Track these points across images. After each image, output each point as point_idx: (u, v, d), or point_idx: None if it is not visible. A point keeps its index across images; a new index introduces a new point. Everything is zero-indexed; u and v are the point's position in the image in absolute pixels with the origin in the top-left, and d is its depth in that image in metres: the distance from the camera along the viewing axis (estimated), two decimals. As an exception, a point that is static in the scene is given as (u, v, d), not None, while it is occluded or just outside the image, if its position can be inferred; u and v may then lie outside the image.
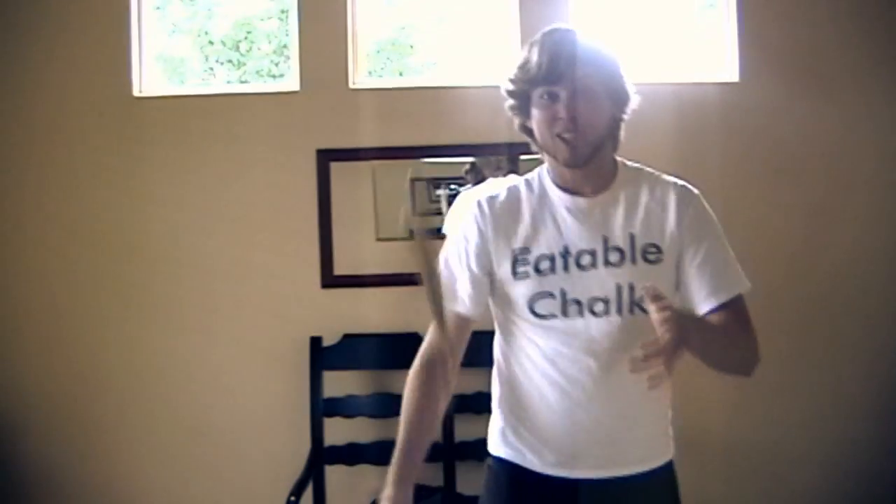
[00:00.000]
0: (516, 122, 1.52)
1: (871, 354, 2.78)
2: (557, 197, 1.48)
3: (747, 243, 2.76)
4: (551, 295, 1.43)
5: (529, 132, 1.50)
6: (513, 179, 1.60)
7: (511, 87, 1.46)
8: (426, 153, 2.79)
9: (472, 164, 2.75)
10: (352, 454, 2.68)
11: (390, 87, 2.94)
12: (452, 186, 2.77)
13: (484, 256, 1.49)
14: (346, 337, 2.70)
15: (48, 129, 2.77)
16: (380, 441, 2.70)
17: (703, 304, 1.45)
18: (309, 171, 2.76)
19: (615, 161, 1.53)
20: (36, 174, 2.78)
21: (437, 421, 1.52)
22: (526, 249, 1.45)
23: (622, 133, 1.53)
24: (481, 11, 3.01)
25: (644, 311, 1.33)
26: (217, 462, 2.76)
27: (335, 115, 2.77)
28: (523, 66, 1.43)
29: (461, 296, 1.49)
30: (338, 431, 2.68)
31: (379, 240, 2.77)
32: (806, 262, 2.78)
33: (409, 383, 1.50)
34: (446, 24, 3.09)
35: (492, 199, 1.52)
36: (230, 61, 3.13)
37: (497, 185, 1.58)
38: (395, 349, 2.71)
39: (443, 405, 1.50)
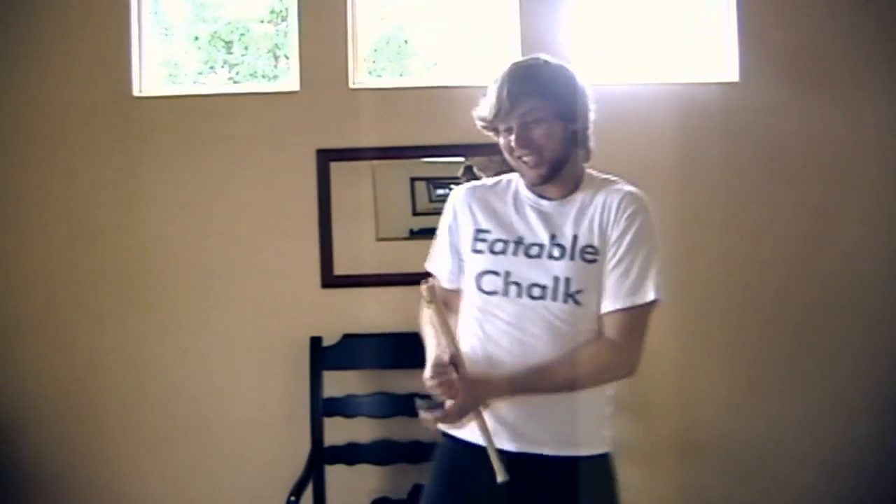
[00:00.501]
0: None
1: (872, 355, 2.78)
2: (526, 196, 1.71)
3: (747, 243, 2.78)
4: (496, 273, 1.64)
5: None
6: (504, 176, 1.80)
7: (481, 124, 1.71)
8: (426, 153, 2.79)
9: (468, 166, 2.74)
10: (352, 454, 2.68)
11: (390, 87, 2.94)
12: (451, 187, 2.77)
13: (455, 236, 1.74)
14: (346, 337, 2.70)
15: (48, 129, 2.77)
16: (380, 441, 2.70)
17: (604, 307, 1.62)
18: (309, 171, 2.76)
19: (584, 171, 1.72)
20: (36, 174, 2.78)
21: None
22: (487, 231, 1.68)
23: (592, 143, 1.73)
24: (481, 11, 3.01)
25: (577, 302, 1.59)
26: (217, 462, 2.76)
27: (335, 115, 2.77)
28: (484, 107, 1.68)
29: (443, 271, 1.76)
30: (338, 431, 2.68)
31: (379, 240, 2.77)
32: (806, 263, 2.78)
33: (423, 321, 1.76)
34: (446, 24, 3.09)
35: (472, 188, 1.78)
36: (225, 62, 3.13)
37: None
38: (396, 349, 2.71)
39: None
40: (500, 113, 1.63)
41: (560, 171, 1.65)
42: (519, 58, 1.72)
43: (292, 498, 2.37)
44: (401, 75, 3.13)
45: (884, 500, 2.77)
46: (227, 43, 3.11)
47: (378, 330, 2.67)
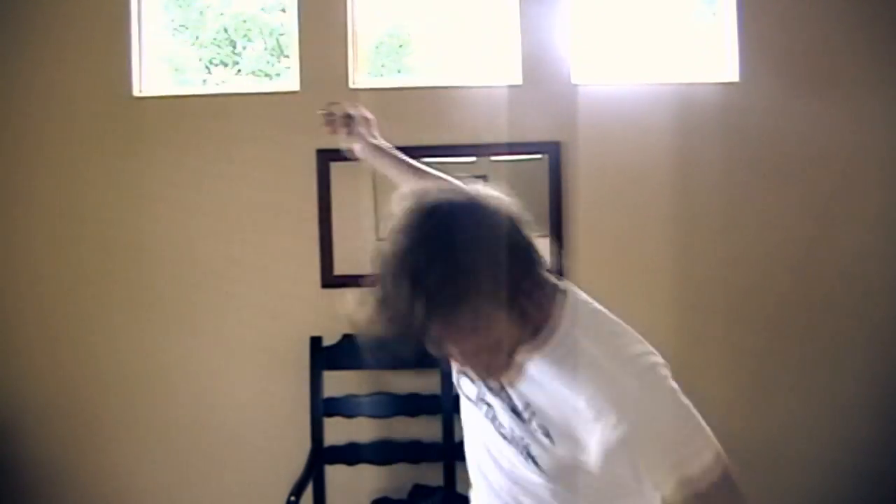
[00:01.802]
0: None
1: (873, 356, 2.78)
2: None
3: (747, 244, 2.78)
4: (473, 381, 1.32)
5: None
6: None
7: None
8: (426, 153, 2.77)
9: None
10: (352, 454, 2.68)
11: (390, 87, 2.94)
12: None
13: None
14: (346, 337, 2.70)
15: (49, 129, 2.77)
16: (380, 441, 2.70)
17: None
18: (309, 171, 2.76)
19: (554, 328, 1.23)
20: (36, 174, 2.78)
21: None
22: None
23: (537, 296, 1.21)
24: (481, 11, 3.01)
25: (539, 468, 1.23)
26: (217, 462, 2.76)
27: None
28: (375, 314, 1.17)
29: None
30: (338, 431, 2.68)
31: (379, 240, 2.76)
32: (806, 263, 2.78)
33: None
34: (446, 23, 3.09)
35: None
36: (223, 63, 3.13)
37: None
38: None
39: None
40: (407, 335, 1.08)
41: (509, 368, 1.19)
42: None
43: (292, 498, 2.37)
44: (399, 72, 3.13)
45: (883, 500, 2.77)
46: (230, 41, 3.11)
47: (378, 330, 2.67)
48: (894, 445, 2.78)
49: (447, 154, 2.77)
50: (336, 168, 2.75)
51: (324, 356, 2.69)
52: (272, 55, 3.12)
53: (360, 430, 2.69)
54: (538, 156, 2.75)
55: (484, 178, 2.78)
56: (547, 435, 1.18)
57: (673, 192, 2.75)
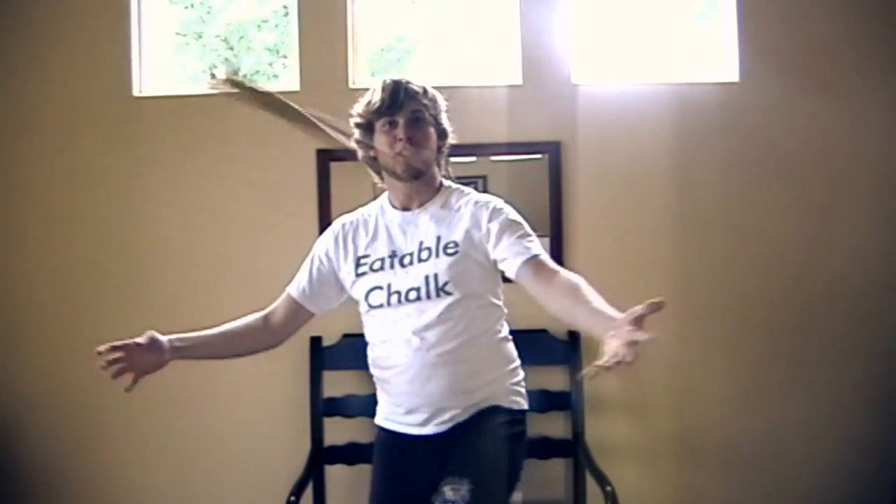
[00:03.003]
0: (361, 154, 1.89)
1: (871, 355, 2.78)
2: (392, 214, 1.88)
3: (747, 243, 2.78)
4: (380, 288, 1.81)
5: (373, 160, 1.87)
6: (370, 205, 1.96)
7: (359, 120, 1.86)
8: (426, 153, 2.78)
9: None
10: (352, 454, 2.67)
11: (390, 87, 2.93)
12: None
13: (328, 264, 1.91)
14: (346, 337, 2.70)
15: (49, 129, 2.77)
16: (380, 441, 2.70)
17: (513, 264, 1.73)
18: (309, 171, 2.76)
19: (442, 183, 1.89)
20: (36, 174, 2.78)
21: (230, 349, 2.03)
22: (367, 255, 1.85)
23: (446, 160, 1.91)
24: (481, 12, 3.01)
25: (448, 293, 1.74)
26: (217, 462, 2.77)
27: (335, 115, 2.75)
28: (368, 104, 1.83)
29: (301, 285, 1.96)
30: (338, 431, 2.68)
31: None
32: (806, 263, 2.78)
33: (248, 317, 2.01)
34: (446, 23, 3.09)
35: (346, 223, 1.94)
36: (227, 60, 3.12)
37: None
38: (395, 349, 2.72)
39: (243, 347, 2.03)
40: (393, 106, 1.78)
41: (426, 174, 1.83)
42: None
43: (292, 498, 2.37)
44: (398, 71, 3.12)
45: (882, 500, 2.77)
46: (229, 45, 3.11)
47: (378, 330, 2.67)
48: (894, 445, 2.78)
49: (447, 154, 2.77)
50: (336, 168, 2.75)
51: (324, 356, 2.70)
52: (271, 55, 3.12)
53: (360, 430, 2.69)
54: (538, 156, 2.76)
55: (484, 178, 2.79)
56: (455, 246, 1.76)
57: (673, 192, 2.76)
